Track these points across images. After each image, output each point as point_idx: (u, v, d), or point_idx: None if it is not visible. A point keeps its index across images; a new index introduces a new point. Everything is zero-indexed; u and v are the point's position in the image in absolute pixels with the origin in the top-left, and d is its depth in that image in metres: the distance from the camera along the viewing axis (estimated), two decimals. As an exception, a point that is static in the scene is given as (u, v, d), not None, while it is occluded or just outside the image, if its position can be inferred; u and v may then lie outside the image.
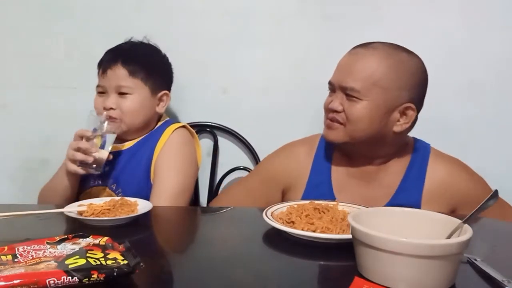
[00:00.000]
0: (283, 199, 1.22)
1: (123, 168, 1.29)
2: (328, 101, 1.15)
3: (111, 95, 1.27)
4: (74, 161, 1.16)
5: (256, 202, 1.21)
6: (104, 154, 1.18)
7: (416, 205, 1.11)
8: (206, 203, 1.57)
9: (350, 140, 1.12)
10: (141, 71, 1.28)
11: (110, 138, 1.20)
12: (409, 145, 1.19)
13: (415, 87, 1.11)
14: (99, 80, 1.30)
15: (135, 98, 1.27)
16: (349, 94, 1.10)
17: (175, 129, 1.32)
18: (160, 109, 1.35)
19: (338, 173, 1.18)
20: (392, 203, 1.11)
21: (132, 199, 1.02)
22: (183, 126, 1.36)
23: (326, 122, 1.16)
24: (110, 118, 1.24)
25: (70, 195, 1.26)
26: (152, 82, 1.30)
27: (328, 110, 1.14)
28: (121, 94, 1.27)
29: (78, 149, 1.14)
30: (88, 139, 1.16)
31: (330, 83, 1.16)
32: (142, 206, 1.00)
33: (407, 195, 1.12)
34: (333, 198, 1.12)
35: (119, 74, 1.26)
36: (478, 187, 1.15)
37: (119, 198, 1.02)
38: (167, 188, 1.23)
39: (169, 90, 1.39)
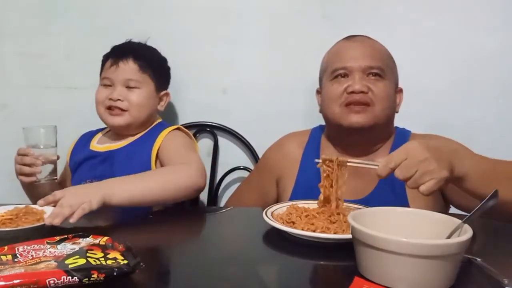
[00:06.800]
0: (277, 189, 1.26)
1: (120, 169, 1.25)
2: (343, 86, 1.13)
3: (118, 87, 1.29)
4: (22, 174, 1.16)
5: (255, 192, 1.29)
6: (51, 159, 1.16)
7: (401, 188, 1.09)
8: (206, 203, 1.57)
9: (374, 123, 1.12)
10: (149, 68, 1.32)
11: (52, 150, 1.17)
12: (392, 132, 1.22)
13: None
14: (106, 72, 1.31)
15: (142, 92, 1.30)
16: (374, 73, 1.13)
17: (170, 131, 1.32)
18: (161, 107, 1.39)
19: None
20: (378, 189, 1.11)
21: (39, 208, 0.96)
22: (177, 128, 1.35)
23: (351, 108, 1.11)
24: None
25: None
26: (157, 80, 1.35)
27: (350, 93, 1.11)
28: (129, 87, 1.29)
29: (24, 164, 1.14)
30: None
31: (344, 68, 1.14)
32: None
33: (391, 180, 1.11)
34: None
35: (130, 68, 1.30)
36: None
37: (23, 206, 0.97)
38: (192, 161, 1.19)
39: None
